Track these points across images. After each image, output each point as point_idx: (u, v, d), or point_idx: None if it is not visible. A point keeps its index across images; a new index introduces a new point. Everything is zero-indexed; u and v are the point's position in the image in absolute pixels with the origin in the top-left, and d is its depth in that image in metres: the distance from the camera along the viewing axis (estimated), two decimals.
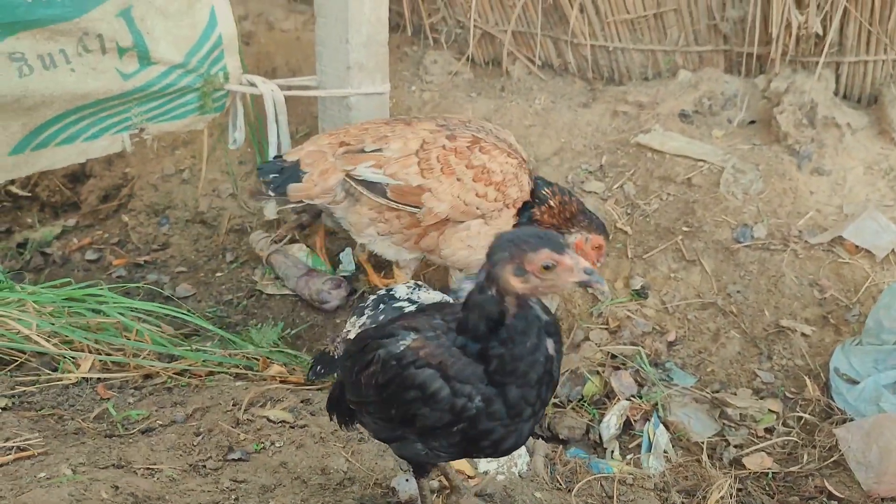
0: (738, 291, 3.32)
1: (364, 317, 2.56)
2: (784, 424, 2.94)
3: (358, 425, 2.11)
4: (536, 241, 1.60)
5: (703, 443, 2.82)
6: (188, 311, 3.31)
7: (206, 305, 3.72)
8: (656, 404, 2.96)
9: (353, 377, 1.96)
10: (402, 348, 1.80)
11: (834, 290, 3.23)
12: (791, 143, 3.76)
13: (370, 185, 2.94)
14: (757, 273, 3.34)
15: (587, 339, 3.36)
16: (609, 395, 3.09)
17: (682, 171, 3.71)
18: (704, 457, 2.73)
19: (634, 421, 2.99)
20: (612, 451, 2.88)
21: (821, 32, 3.74)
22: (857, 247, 3.26)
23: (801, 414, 2.91)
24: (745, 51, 4.01)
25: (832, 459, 2.73)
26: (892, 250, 3.23)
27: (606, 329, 3.37)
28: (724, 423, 2.94)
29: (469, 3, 4.43)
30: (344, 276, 3.84)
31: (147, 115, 3.50)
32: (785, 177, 3.66)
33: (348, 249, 3.92)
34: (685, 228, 3.52)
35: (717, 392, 3.06)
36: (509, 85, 4.54)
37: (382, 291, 2.66)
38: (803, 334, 3.11)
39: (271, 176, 2.99)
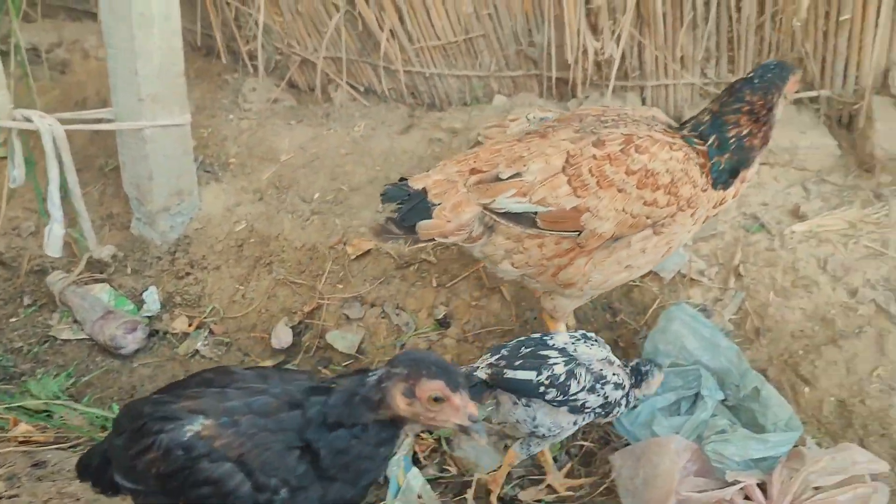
0: (535, 318, 3.31)
1: (499, 355, 2.50)
2: (567, 453, 2.93)
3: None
4: (436, 371, 1.58)
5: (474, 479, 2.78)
6: None
7: None
8: (439, 439, 2.91)
9: (128, 461, 1.77)
10: (188, 436, 1.64)
11: (625, 313, 3.26)
12: None
13: (515, 217, 2.50)
14: None
15: None
16: None
17: None
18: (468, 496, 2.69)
19: (423, 457, 2.93)
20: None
21: (618, 58, 3.80)
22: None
23: (583, 442, 2.91)
24: (554, 75, 4.04)
25: (604, 486, 2.73)
26: (679, 272, 3.28)
27: None
28: None
29: (285, 30, 4.33)
30: (148, 316, 3.68)
31: None
32: None
33: (153, 288, 3.76)
34: None
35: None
36: (333, 112, 4.47)
37: (535, 336, 2.60)
38: None
39: (396, 204, 2.55)
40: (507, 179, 2.47)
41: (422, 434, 2.98)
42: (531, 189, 2.44)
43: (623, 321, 3.23)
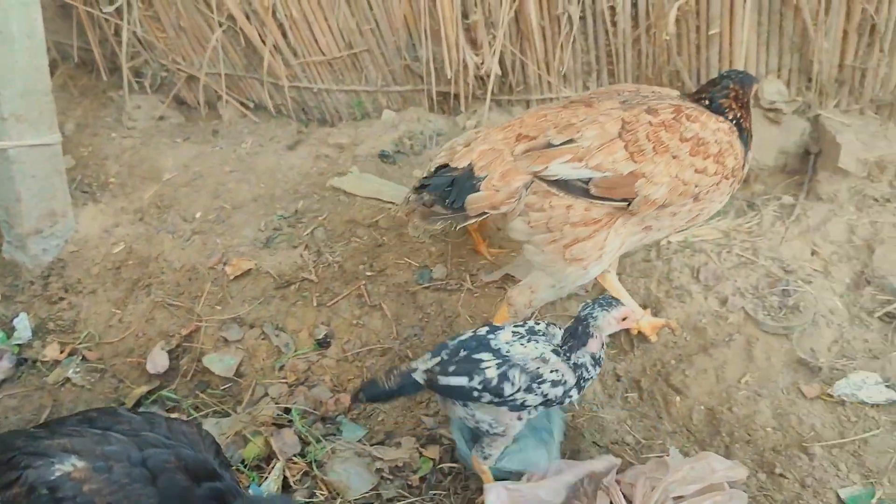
0: (416, 335, 3.27)
1: (438, 358, 2.42)
2: (440, 472, 2.89)
3: None
4: None
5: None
6: None
7: None
8: (311, 463, 2.84)
9: None
10: (56, 475, 1.52)
11: None
12: None
13: (566, 184, 2.45)
14: (434, 314, 3.32)
15: (266, 395, 3.20)
16: (272, 455, 2.94)
17: (371, 213, 3.66)
18: None
19: (294, 482, 2.85)
20: None
21: (500, 73, 3.81)
22: None
23: (453, 465, 2.87)
24: (442, 90, 4.03)
25: None
26: None
27: (286, 383, 3.23)
28: (381, 477, 2.85)
29: (169, 46, 4.23)
30: (18, 344, 3.52)
31: None
32: None
33: (23, 315, 3.59)
34: (369, 273, 3.46)
35: (382, 442, 2.98)
36: (221, 128, 4.39)
37: (482, 332, 2.47)
38: None
39: (444, 190, 2.46)
40: (560, 146, 2.44)
41: (293, 457, 2.91)
42: (587, 154, 2.42)
43: None
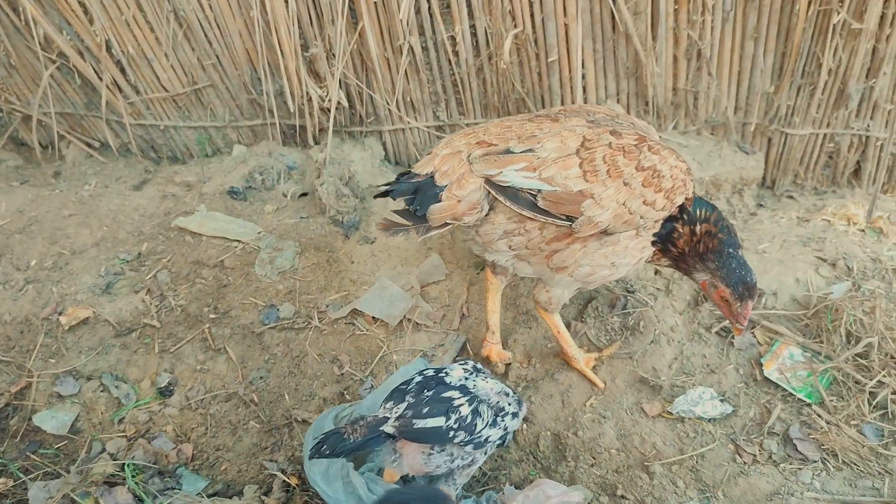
0: (261, 378, 3.16)
1: (404, 404, 2.30)
2: None
3: None
4: None
5: None
6: None
7: None
8: None
9: None
10: None
11: (351, 364, 3.17)
12: (333, 214, 3.73)
13: (512, 195, 2.40)
14: (281, 355, 3.22)
15: (104, 450, 3.02)
16: None
17: (216, 253, 3.54)
18: None
19: None
20: None
21: (346, 105, 3.77)
22: (374, 317, 3.24)
23: None
24: (285, 123, 3.96)
25: None
26: (405, 317, 3.24)
27: (125, 437, 3.06)
28: None
29: (1, 86, 4.01)
30: None
31: None
32: (326, 249, 3.61)
33: None
34: (213, 315, 3.33)
35: (224, 493, 2.85)
36: (64, 170, 4.18)
37: (431, 372, 2.43)
38: (304, 421, 3.00)
39: (406, 199, 2.39)
40: (519, 153, 2.39)
41: None
42: (542, 165, 2.37)
43: (349, 373, 3.13)
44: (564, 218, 2.41)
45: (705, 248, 2.56)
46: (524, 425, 2.95)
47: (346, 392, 3.11)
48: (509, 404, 2.47)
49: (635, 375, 3.03)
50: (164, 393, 3.18)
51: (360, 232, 3.76)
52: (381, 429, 2.27)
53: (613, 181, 2.38)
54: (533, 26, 3.50)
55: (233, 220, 3.69)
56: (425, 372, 2.44)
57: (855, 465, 2.67)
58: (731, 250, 2.55)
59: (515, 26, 3.49)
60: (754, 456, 2.76)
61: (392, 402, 2.34)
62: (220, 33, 3.64)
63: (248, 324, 3.30)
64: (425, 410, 2.28)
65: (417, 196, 2.41)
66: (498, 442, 2.47)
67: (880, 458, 2.69)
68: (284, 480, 2.82)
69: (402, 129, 3.97)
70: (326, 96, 3.65)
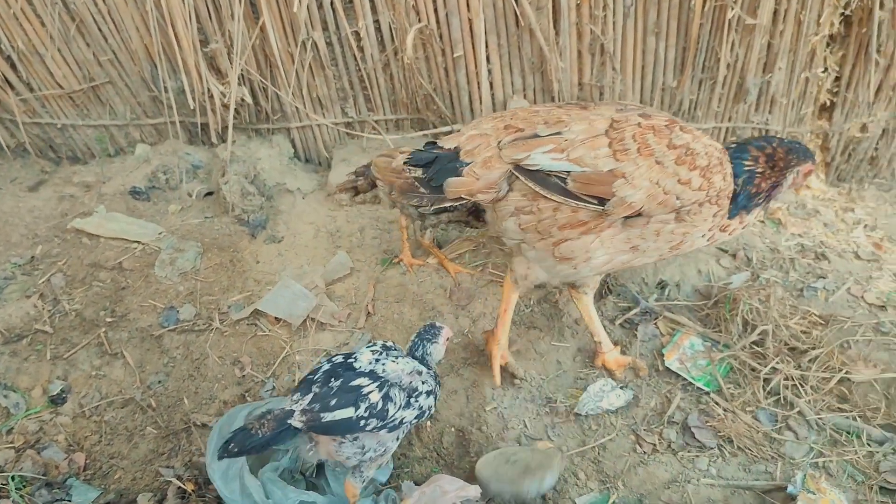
0: (160, 382, 3.06)
1: (310, 395, 2.21)
2: None
3: None
4: None
5: None
6: None
7: None
8: None
9: None
10: None
11: (253, 366, 3.09)
12: (238, 213, 3.65)
13: (542, 180, 2.32)
14: (181, 358, 3.12)
15: None
16: None
17: (114, 255, 3.42)
18: None
19: None
20: None
21: (251, 101, 3.69)
22: (276, 318, 3.17)
23: None
24: (196, 120, 3.86)
25: None
26: (308, 316, 3.17)
27: (13, 448, 2.92)
28: None
29: None
30: None
31: None
32: (230, 249, 3.53)
33: None
34: (110, 319, 3.21)
35: (116, 502, 2.74)
36: None
37: (338, 359, 2.34)
38: (204, 425, 2.91)
39: (422, 168, 2.34)
40: (546, 137, 2.33)
41: None
42: (570, 146, 2.30)
43: (251, 375, 3.06)
44: (596, 202, 2.33)
45: (781, 159, 2.49)
46: (429, 422, 2.92)
47: (247, 394, 3.03)
48: (423, 382, 2.40)
49: (540, 369, 3.02)
50: (56, 401, 3.05)
51: (266, 231, 3.69)
52: (288, 422, 2.18)
53: (645, 160, 2.30)
54: (437, 21, 3.48)
55: (133, 220, 3.57)
56: (333, 359, 2.37)
57: (749, 450, 2.72)
58: (788, 140, 2.54)
59: (420, 21, 3.46)
60: (654, 445, 2.78)
61: (299, 394, 2.25)
62: (115, 28, 3.52)
63: (146, 327, 3.19)
64: (332, 402, 2.21)
65: (435, 165, 2.40)
66: (414, 421, 2.40)
67: (773, 442, 2.74)
68: (180, 487, 2.72)
69: (311, 126, 3.90)
70: (228, 93, 3.56)
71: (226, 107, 3.62)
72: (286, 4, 3.37)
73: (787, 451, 2.70)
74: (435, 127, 3.87)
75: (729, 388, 2.91)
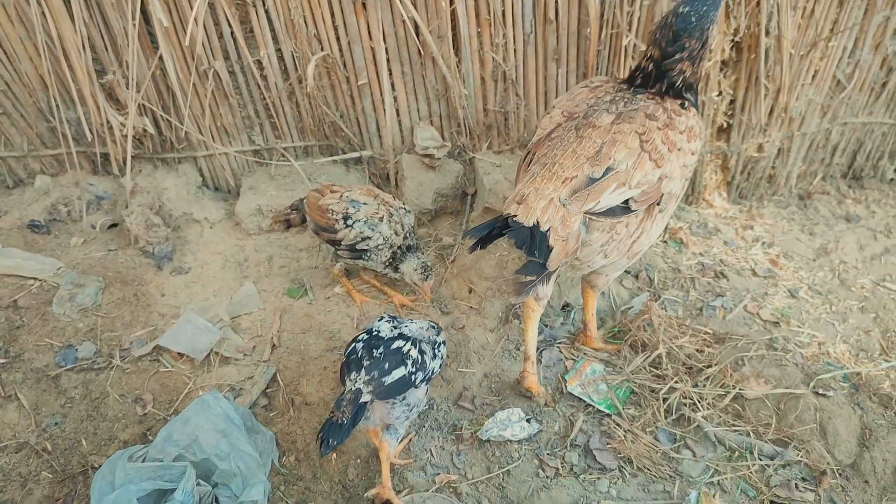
0: (56, 424, 2.97)
1: (362, 370, 2.40)
2: None
3: None
4: None
5: None
6: None
7: None
8: None
9: None
10: None
11: (155, 403, 3.03)
12: (143, 245, 3.58)
13: (610, 210, 2.49)
14: (79, 398, 3.04)
15: None
16: None
17: (9, 293, 3.31)
18: None
19: None
20: None
21: (154, 131, 3.63)
22: (179, 353, 3.12)
23: None
24: (97, 150, 3.77)
25: None
26: (212, 350, 3.13)
27: None
28: None
29: None
30: None
31: None
32: (134, 283, 3.46)
33: None
34: (3, 360, 3.11)
35: None
36: None
37: (364, 336, 2.54)
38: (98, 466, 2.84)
39: (526, 245, 2.37)
40: (602, 178, 2.46)
41: None
42: (628, 177, 2.47)
43: (153, 413, 2.99)
44: (655, 201, 2.58)
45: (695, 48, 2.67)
46: (334, 455, 2.91)
47: (148, 433, 2.97)
48: (437, 334, 2.67)
49: (455, 394, 3.04)
50: None
51: (173, 262, 3.63)
52: (361, 400, 2.36)
53: (674, 154, 2.57)
54: (340, 49, 3.49)
55: (31, 256, 3.47)
56: (359, 338, 2.55)
57: (648, 470, 2.78)
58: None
59: (322, 49, 3.46)
60: (557, 469, 2.81)
61: (355, 373, 2.42)
62: (6, 58, 3.42)
63: (42, 367, 3.10)
64: (387, 366, 2.41)
65: (532, 243, 2.39)
66: (438, 370, 2.63)
67: (671, 461, 2.80)
68: None
69: (217, 155, 3.85)
70: (125, 123, 3.50)
71: (126, 137, 3.55)
72: (186, 35, 3.33)
73: (685, 470, 2.77)
74: (344, 153, 3.87)
75: (629, 410, 2.96)
